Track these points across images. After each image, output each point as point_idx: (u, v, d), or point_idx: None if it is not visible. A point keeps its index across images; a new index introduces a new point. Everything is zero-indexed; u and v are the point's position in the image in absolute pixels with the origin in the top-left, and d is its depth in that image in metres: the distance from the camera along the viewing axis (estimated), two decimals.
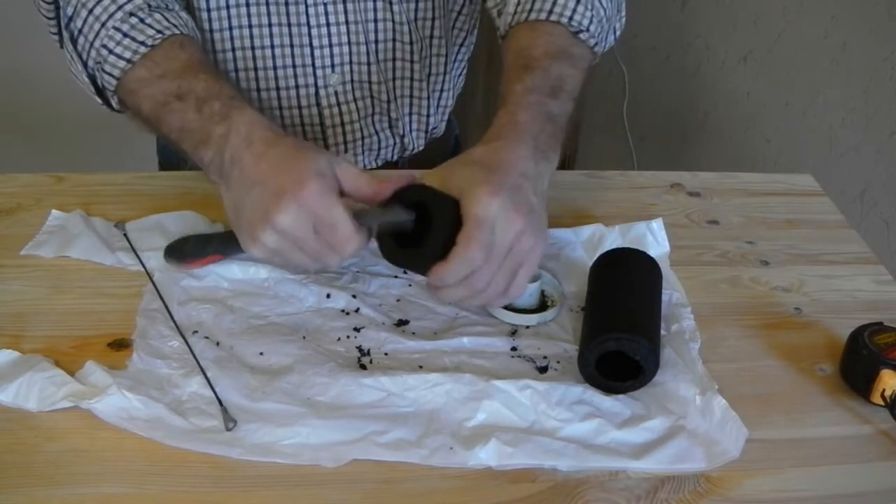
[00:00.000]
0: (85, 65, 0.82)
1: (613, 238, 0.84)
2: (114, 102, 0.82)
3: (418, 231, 0.67)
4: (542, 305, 0.77)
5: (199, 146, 0.72)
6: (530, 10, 0.82)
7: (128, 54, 0.78)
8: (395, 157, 1.05)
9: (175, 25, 0.79)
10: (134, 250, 0.79)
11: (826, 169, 1.40)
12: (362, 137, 1.00)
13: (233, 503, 0.58)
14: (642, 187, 0.96)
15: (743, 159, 1.69)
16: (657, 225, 0.85)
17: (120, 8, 0.79)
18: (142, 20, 0.78)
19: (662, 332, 0.73)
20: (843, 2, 1.38)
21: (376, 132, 1.01)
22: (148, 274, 0.76)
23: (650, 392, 0.68)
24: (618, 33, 0.93)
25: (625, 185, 0.96)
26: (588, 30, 0.83)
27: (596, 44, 0.84)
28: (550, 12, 0.81)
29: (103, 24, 0.79)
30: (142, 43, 0.77)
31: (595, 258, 0.78)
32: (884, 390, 0.67)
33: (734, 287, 0.82)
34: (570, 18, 0.82)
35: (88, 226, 0.82)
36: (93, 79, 0.82)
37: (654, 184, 0.97)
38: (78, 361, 0.66)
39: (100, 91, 0.83)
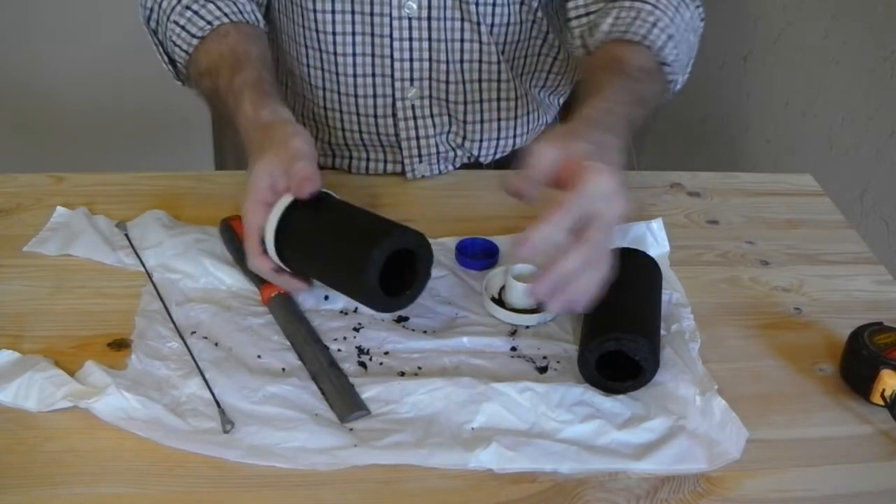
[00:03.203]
0: (165, 52, 0.90)
1: None
2: (191, 84, 0.90)
3: None
4: (541, 305, 0.77)
5: (238, 135, 0.80)
6: (625, 32, 0.84)
7: (185, 46, 0.84)
8: (472, 163, 1.05)
9: (226, 14, 0.85)
10: (134, 250, 0.79)
11: (826, 169, 1.39)
12: (437, 153, 1.00)
13: (232, 503, 0.58)
14: (642, 187, 0.96)
15: (743, 159, 1.69)
16: (657, 225, 0.85)
17: (179, 1, 0.85)
18: (196, 12, 0.84)
19: (662, 332, 0.73)
20: (843, 2, 1.38)
21: (452, 148, 1.01)
22: (148, 274, 0.76)
23: (650, 392, 0.68)
24: (678, 87, 0.92)
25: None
26: (671, 65, 0.85)
27: (671, 81, 0.86)
28: (644, 37, 0.83)
29: (168, 18, 0.86)
30: (193, 35, 0.84)
31: None
32: (884, 390, 0.67)
33: (734, 287, 0.82)
34: (661, 49, 0.83)
35: (91, 224, 0.82)
36: (173, 63, 0.90)
37: (654, 184, 0.97)
38: (78, 361, 0.66)
39: (179, 76, 0.91)
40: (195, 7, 0.85)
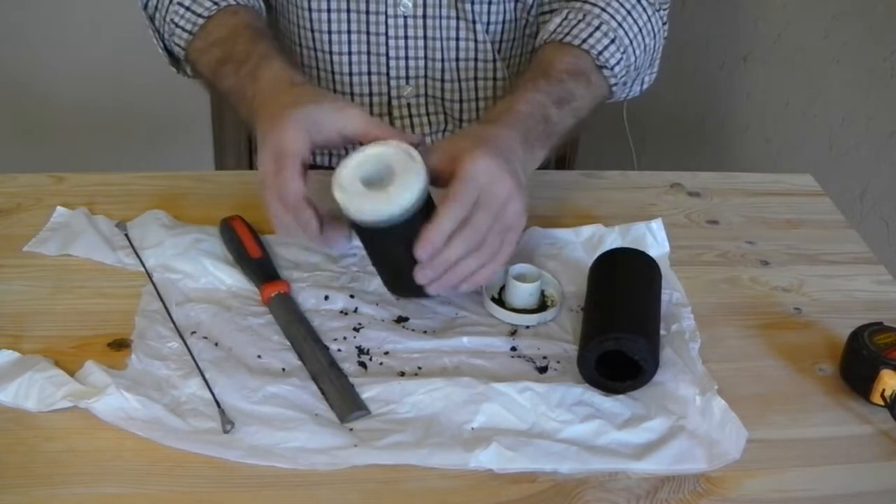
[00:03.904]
0: (161, 38, 0.89)
1: (613, 238, 0.84)
2: (188, 70, 0.89)
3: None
4: (541, 305, 0.77)
5: (239, 106, 0.78)
6: (566, 35, 0.85)
7: (189, 26, 0.84)
8: None
9: None
10: (134, 250, 0.79)
11: (826, 169, 1.40)
12: None
13: (232, 503, 0.58)
14: (642, 187, 0.96)
15: (743, 159, 1.69)
16: (657, 225, 0.85)
17: None
18: None
19: (662, 332, 0.73)
20: (843, 2, 1.38)
21: None
22: (148, 274, 0.76)
23: (650, 392, 0.68)
24: (645, 85, 0.95)
25: (625, 185, 0.96)
26: (612, 69, 0.85)
27: (615, 84, 0.87)
28: (584, 41, 0.84)
29: (171, 0, 0.85)
30: (199, 15, 0.84)
31: (595, 258, 0.78)
32: (884, 390, 0.67)
33: (734, 287, 0.82)
34: (600, 53, 0.84)
35: (91, 224, 0.82)
36: (169, 51, 0.90)
37: (654, 184, 0.97)
38: (78, 361, 0.66)
39: (176, 62, 0.90)
40: None
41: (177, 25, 0.85)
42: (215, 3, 0.84)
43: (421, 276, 0.67)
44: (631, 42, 0.87)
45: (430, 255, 0.66)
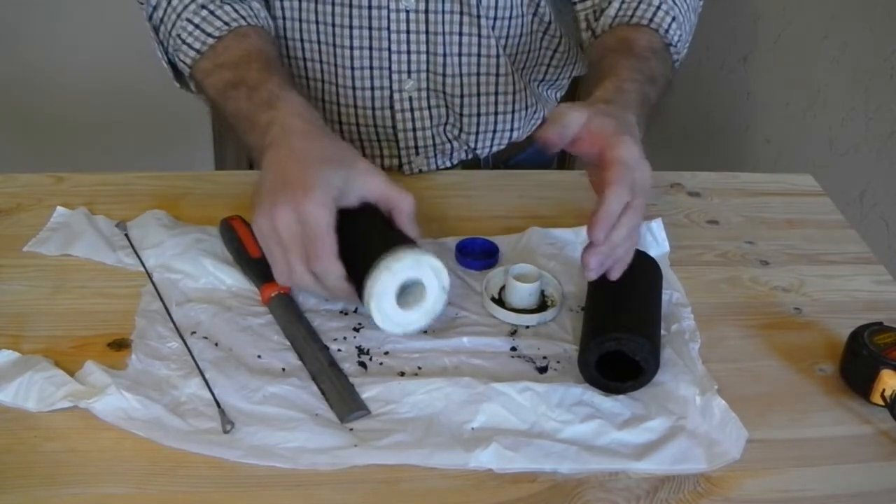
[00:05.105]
0: (165, 52, 0.89)
1: None
2: (192, 86, 0.88)
3: None
4: (541, 305, 0.77)
5: (247, 131, 0.77)
6: (632, 16, 0.88)
7: (197, 45, 0.83)
8: (470, 158, 1.05)
9: (243, 17, 0.84)
10: (134, 250, 0.79)
11: (826, 169, 1.39)
12: (434, 145, 1.00)
13: (232, 503, 0.58)
14: None
15: (743, 159, 1.69)
16: (657, 225, 0.85)
17: (193, 0, 0.84)
18: (212, 12, 0.84)
19: (662, 332, 0.73)
20: (843, 2, 1.38)
21: (448, 140, 1.01)
22: (148, 274, 0.76)
23: (650, 392, 0.68)
24: (677, 64, 0.96)
25: None
26: (676, 45, 0.88)
27: (677, 62, 0.89)
28: (651, 20, 0.87)
29: (179, 16, 0.85)
30: (209, 35, 0.83)
31: None
32: (884, 390, 0.67)
33: (734, 287, 0.82)
34: (666, 31, 0.87)
35: (91, 224, 0.82)
36: (172, 65, 0.89)
37: (655, 184, 0.96)
38: (78, 361, 0.66)
39: (179, 76, 0.90)
40: (211, 7, 0.84)
41: (183, 42, 0.84)
42: (226, 24, 0.83)
43: (592, 261, 0.68)
44: (685, 20, 0.89)
45: (604, 237, 0.67)
